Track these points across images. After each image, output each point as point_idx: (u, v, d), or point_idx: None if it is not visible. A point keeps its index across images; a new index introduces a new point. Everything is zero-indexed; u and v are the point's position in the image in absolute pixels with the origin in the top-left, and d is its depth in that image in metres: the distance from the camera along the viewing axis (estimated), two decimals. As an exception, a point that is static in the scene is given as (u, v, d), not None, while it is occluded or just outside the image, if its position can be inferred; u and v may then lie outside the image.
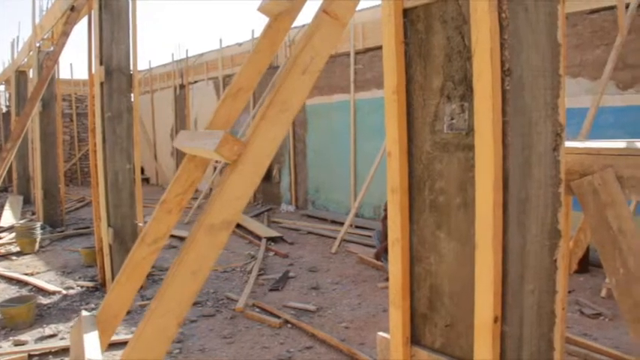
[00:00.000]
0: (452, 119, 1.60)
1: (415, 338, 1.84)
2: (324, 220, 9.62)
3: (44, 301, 5.43)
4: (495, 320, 1.56)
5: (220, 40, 12.85)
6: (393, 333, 1.84)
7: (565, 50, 1.70)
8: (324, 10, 1.31)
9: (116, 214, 5.63)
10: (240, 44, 12.41)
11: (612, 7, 6.14)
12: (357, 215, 8.41)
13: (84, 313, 1.78)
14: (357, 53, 9.46)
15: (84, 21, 6.45)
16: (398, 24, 1.69)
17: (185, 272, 1.21)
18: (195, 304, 5.28)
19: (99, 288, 5.81)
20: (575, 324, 4.61)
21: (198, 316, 4.98)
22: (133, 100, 5.79)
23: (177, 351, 4.21)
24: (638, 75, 6.44)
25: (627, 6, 5.94)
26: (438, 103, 1.64)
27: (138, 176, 5.85)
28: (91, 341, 1.49)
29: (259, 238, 8.09)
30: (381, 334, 1.98)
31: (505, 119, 1.51)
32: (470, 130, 1.55)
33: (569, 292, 5.34)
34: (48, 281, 6.10)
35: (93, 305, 5.27)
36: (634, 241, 1.94)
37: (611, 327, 4.48)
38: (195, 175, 1.72)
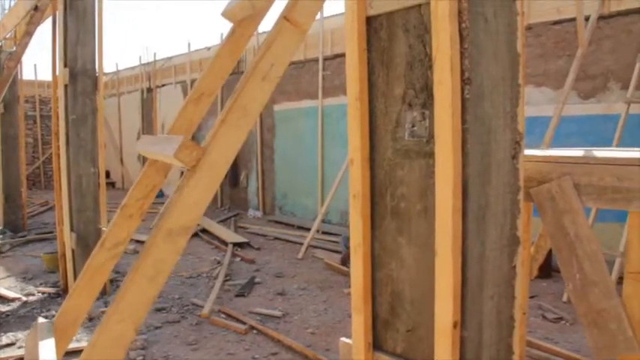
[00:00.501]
0: (413, 126, 1.61)
1: (377, 343, 1.84)
2: (291, 225, 9.61)
3: (3, 308, 5.30)
4: (455, 325, 1.57)
5: (189, 44, 12.78)
6: (355, 338, 1.84)
7: (524, 60, 1.73)
8: (284, 17, 1.32)
9: (79, 218, 5.53)
10: (209, 48, 12.35)
11: (574, 19, 6.28)
12: (324, 221, 8.43)
13: (40, 319, 1.74)
14: (325, 59, 9.50)
15: (48, 21, 6.33)
16: (361, 32, 1.70)
17: (143, 278, 1.19)
18: (159, 310, 5.22)
19: (61, 294, 5.69)
20: (537, 328, 4.70)
21: (163, 322, 4.92)
22: (98, 102, 5.71)
23: (141, 358, 4.15)
24: (599, 85, 6.61)
25: (588, 18, 6.10)
26: (399, 111, 1.66)
27: (102, 180, 5.76)
28: (47, 349, 1.46)
29: (226, 243, 8.04)
30: (343, 339, 1.99)
31: (465, 127, 1.53)
32: (430, 138, 1.57)
33: (532, 297, 5.44)
34: (7, 288, 5.95)
35: (54, 312, 5.16)
36: (590, 247, 1.99)
37: (571, 331, 4.58)
38: (156, 180, 1.71)
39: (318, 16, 9.74)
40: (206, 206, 1.27)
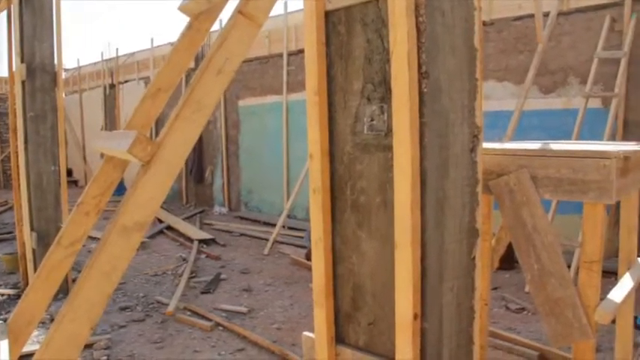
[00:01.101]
0: (372, 120, 1.62)
1: (340, 337, 1.85)
2: (257, 221, 9.58)
3: (-39, 310, 5.16)
4: (415, 317, 1.59)
5: (152, 40, 12.60)
6: (318, 332, 1.85)
7: (482, 55, 1.75)
8: (239, 11, 1.31)
9: (40, 217, 5.41)
10: (172, 44, 12.14)
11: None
12: (289, 216, 8.42)
13: (-6, 321, 1.70)
14: (289, 55, 9.48)
15: (3, 14, 6.15)
16: (319, 26, 1.70)
17: (97, 275, 1.17)
18: (124, 309, 5.14)
19: (21, 296, 5.56)
20: (501, 319, 4.78)
21: (128, 321, 4.85)
22: (58, 99, 5.58)
23: (105, 358, 4.08)
24: (559, 80, 6.75)
25: (548, 14, 6.22)
26: (358, 105, 1.66)
27: (63, 178, 5.63)
28: (1, 351, 1.43)
29: (191, 240, 7.97)
30: (306, 333, 1.99)
31: (423, 120, 1.55)
32: (389, 132, 1.58)
33: (495, 288, 5.54)
34: (-35, 290, 5.79)
35: (14, 313, 5.04)
36: (547, 239, 2.03)
37: (533, 320, 4.67)
38: (113, 176, 1.68)
39: (282, 12, 9.73)
40: (161, 201, 1.26)
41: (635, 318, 4.26)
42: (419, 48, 1.54)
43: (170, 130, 1.21)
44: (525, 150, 2.11)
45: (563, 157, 2.00)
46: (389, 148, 1.57)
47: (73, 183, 14.87)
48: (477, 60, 1.72)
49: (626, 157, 2.07)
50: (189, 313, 5.01)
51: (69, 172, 15.86)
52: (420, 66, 1.54)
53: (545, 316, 2.03)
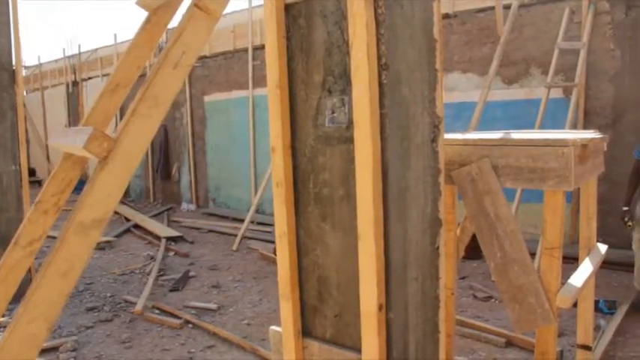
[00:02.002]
0: (333, 113, 1.62)
1: (306, 330, 1.85)
2: (225, 217, 9.53)
3: None
4: (380, 308, 1.60)
5: (115, 36, 12.40)
6: (285, 326, 1.84)
7: (442, 46, 1.76)
8: (195, 5, 1.29)
9: (1, 219, 5.29)
10: (135, 39, 11.99)
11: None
12: (258, 211, 8.40)
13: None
14: (255, 49, 9.43)
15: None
16: (280, 19, 1.69)
17: (55, 273, 1.15)
18: (91, 309, 5.07)
19: (-17, 299, 5.43)
20: (469, 307, 4.85)
21: (95, 321, 4.78)
22: (17, 97, 5.45)
23: (72, 360, 4.03)
24: (521, 71, 6.86)
25: (510, 6, 6.30)
26: (319, 97, 1.66)
27: (25, 178, 5.52)
28: (-43, 355, 1.39)
29: (159, 238, 7.89)
30: (273, 327, 1.99)
31: (383, 112, 1.55)
32: (350, 124, 1.58)
33: (463, 277, 5.62)
34: None
35: (-23, 317, 4.92)
36: (509, 227, 2.06)
37: (501, 308, 4.75)
38: (72, 174, 1.64)
39: (246, 6, 9.65)
40: (119, 198, 1.24)
41: (597, 302, 4.37)
42: (378, 40, 1.54)
43: (127, 126, 1.19)
44: (486, 140, 2.14)
45: (523, 145, 2.04)
46: (350, 140, 1.57)
47: (36, 183, 14.54)
48: (436, 51, 1.73)
49: (584, 145, 2.12)
50: (157, 311, 4.97)
51: (32, 172, 15.50)
52: (379, 57, 1.55)
53: (508, 302, 2.06)
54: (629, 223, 4.49)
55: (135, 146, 1.22)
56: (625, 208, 4.53)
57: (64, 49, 14.50)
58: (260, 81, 9.41)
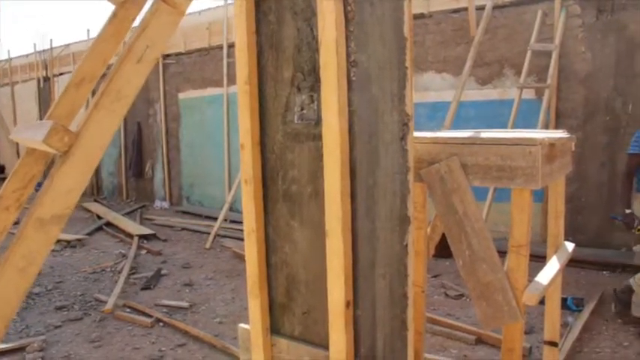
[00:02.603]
0: (302, 110, 1.61)
1: (275, 327, 1.85)
2: (199, 215, 9.47)
3: None
4: (348, 305, 1.60)
5: (88, 31, 12.25)
6: (253, 323, 1.84)
7: (412, 44, 1.77)
8: (161, -3, 1.27)
9: (-33, 215, 5.17)
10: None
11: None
12: (232, 209, 8.35)
13: None
14: (229, 46, 9.37)
15: None
16: (249, 15, 1.68)
17: (12, 271, 1.12)
18: (60, 308, 4.99)
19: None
20: (440, 305, 4.89)
21: (64, 320, 4.71)
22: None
23: (39, 360, 3.96)
24: (494, 72, 6.94)
25: (484, 7, 6.36)
26: (289, 94, 1.65)
27: (-7, 174, 5.41)
28: None
29: (131, 236, 7.80)
30: (242, 325, 1.98)
31: (352, 109, 1.55)
32: (319, 121, 1.57)
33: (436, 276, 5.66)
34: None
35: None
36: (477, 225, 2.08)
37: (471, 306, 4.80)
38: (35, 169, 1.61)
39: (222, 2, 9.59)
40: (80, 194, 1.21)
41: (565, 299, 4.44)
42: (347, 37, 1.54)
43: (88, 120, 1.17)
44: (456, 138, 2.16)
45: (491, 144, 2.05)
46: (319, 137, 1.57)
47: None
48: (406, 49, 1.74)
49: (552, 144, 2.15)
50: (128, 310, 4.91)
51: (1, 169, 15.23)
52: (348, 55, 1.54)
53: (476, 300, 2.08)
54: (639, 228, 4.14)
55: (96, 141, 1.20)
56: (628, 211, 4.22)
57: (34, 44, 14.26)
58: (235, 79, 9.34)
